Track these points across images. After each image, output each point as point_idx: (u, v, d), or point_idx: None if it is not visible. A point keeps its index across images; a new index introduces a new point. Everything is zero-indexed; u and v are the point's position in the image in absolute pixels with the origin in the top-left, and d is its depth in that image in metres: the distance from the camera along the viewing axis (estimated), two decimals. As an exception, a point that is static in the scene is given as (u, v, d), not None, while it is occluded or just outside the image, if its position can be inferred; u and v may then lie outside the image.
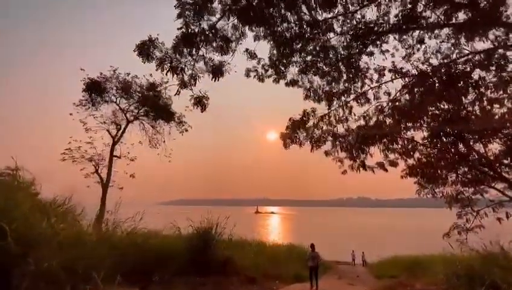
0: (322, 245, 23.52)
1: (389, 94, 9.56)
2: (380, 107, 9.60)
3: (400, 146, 10.61)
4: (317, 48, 9.03)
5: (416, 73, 8.65)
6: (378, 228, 68.53)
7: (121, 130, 15.66)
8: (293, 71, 9.05)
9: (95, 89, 14.54)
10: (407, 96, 9.12)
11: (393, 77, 8.80)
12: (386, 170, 11.54)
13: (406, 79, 8.99)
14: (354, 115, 9.62)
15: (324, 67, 9.44)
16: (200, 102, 6.04)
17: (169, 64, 5.40)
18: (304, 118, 9.17)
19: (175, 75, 5.47)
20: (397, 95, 9.17)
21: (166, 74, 5.57)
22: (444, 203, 11.16)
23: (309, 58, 9.16)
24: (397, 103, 9.26)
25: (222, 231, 8.65)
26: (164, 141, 16.24)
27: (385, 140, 9.65)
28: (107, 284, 4.27)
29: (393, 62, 8.97)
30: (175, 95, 6.03)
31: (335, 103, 9.18)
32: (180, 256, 7.11)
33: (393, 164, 11.37)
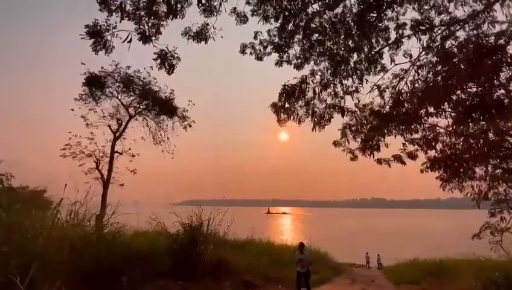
0: (334, 246, 22.47)
1: (410, 56, 7.96)
2: (398, 75, 8.08)
3: (419, 135, 9.45)
4: (324, 24, 8.05)
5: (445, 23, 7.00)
6: (394, 229, 65.85)
7: (123, 126, 15.36)
8: (296, 50, 7.99)
9: (95, 84, 14.23)
10: (429, 75, 7.86)
11: (416, 30, 7.24)
12: (404, 163, 10.37)
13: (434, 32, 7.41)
14: (366, 81, 7.88)
15: (332, 46, 8.43)
16: (166, 59, 4.92)
17: (118, 3, 4.14)
18: (302, 85, 7.37)
19: (125, 19, 4.42)
20: (421, 54, 7.57)
21: (110, 15, 4.46)
22: (467, 204, 9.85)
23: (315, 36, 8.17)
24: (419, 72, 7.69)
25: (216, 229, 7.63)
26: (168, 138, 15.88)
27: (403, 126, 8.37)
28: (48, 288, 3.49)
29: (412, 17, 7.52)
30: (123, 42, 4.92)
31: (342, 68, 7.43)
32: (160, 256, 6.22)
33: (412, 156, 10.22)
